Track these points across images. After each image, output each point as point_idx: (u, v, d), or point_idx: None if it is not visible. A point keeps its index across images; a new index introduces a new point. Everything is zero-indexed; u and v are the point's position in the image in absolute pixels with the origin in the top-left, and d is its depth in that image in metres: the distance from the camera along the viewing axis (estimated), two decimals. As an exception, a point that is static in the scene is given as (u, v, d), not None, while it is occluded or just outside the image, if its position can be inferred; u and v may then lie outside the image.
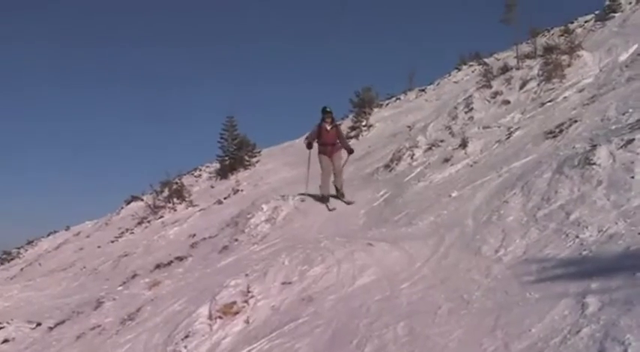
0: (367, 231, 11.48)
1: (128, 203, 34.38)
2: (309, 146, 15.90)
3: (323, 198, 15.07)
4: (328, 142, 15.47)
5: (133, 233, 25.75)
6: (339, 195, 15.29)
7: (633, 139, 8.31)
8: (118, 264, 19.24)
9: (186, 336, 8.73)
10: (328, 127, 15.44)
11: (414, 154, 16.96)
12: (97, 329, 11.52)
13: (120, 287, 14.89)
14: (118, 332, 10.82)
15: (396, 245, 9.55)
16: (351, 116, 33.40)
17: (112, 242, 25.38)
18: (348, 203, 14.80)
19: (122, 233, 26.45)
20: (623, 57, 16.42)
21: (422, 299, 6.89)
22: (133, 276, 15.81)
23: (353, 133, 30.03)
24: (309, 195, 15.80)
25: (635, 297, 4.57)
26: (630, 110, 10.56)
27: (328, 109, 15.56)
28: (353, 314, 7.21)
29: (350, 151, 15.87)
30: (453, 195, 11.43)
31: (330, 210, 14.54)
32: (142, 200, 31.68)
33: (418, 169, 15.23)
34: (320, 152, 15.53)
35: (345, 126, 32.78)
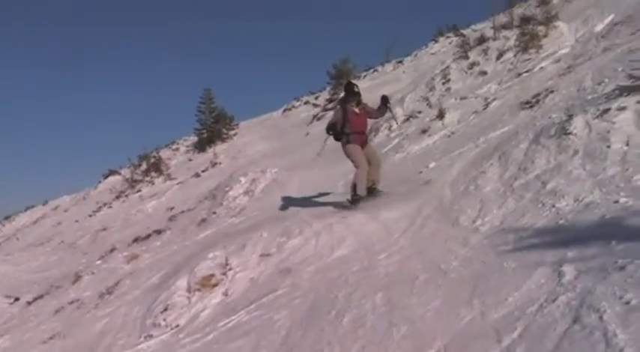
0: (344, 203, 11.50)
1: (106, 177, 34.50)
2: (331, 129, 11.66)
3: (358, 201, 11.12)
4: (359, 129, 11.64)
5: (111, 207, 25.82)
6: (374, 195, 11.27)
7: (609, 109, 8.34)
8: (97, 238, 19.27)
9: (165, 309, 8.77)
10: (357, 110, 11.59)
11: (391, 126, 17.01)
12: (76, 304, 11.55)
13: (98, 261, 14.91)
14: (96, 306, 10.85)
15: (373, 216, 9.58)
16: (328, 88, 33.42)
17: (90, 216, 25.44)
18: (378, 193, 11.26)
19: (100, 207, 26.55)
20: (599, 27, 16.48)
21: (399, 269, 6.92)
22: (112, 250, 15.84)
23: (331, 105, 30.03)
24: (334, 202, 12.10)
25: (610, 265, 4.60)
26: (606, 80, 10.60)
27: (356, 89, 11.80)
28: (331, 285, 7.24)
29: (386, 102, 11.86)
30: (431, 165, 11.48)
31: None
32: (120, 174, 31.79)
33: (396, 141, 15.30)
34: (350, 142, 11.51)
35: (322, 98, 32.81)
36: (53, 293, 13.24)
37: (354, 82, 12.32)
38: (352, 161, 11.54)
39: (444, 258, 6.66)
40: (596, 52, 13.80)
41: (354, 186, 11.30)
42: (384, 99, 11.81)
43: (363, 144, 11.61)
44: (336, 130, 11.61)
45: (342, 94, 12.30)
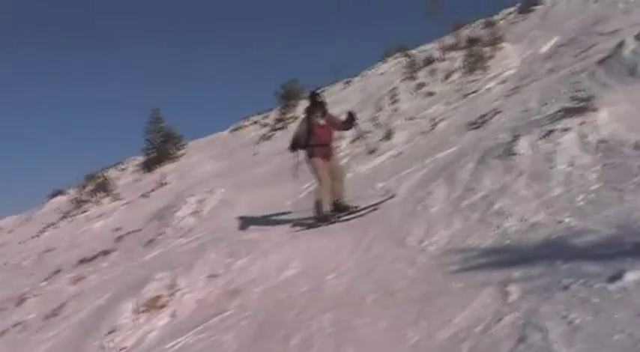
0: (293, 222, 11.46)
1: (52, 197, 34.08)
2: (295, 147, 11.39)
3: (323, 219, 10.77)
4: (323, 141, 11.19)
5: (57, 227, 25.46)
6: (341, 209, 10.95)
7: (553, 130, 8.46)
8: (42, 259, 19.00)
9: (112, 331, 8.66)
10: (322, 122, 11.16)
11: (339, 146, 17.03)
12: (20, 326, 11.34)
13: (43, 283, 14.66)
14: (41, 329, 10.67)
15: (321, 236, 9.60)
16: (277, 108, 33.44)
17: (36, 237, 25.04)
18: (367, 207, 10.47)
19: (46, 228, 26.14)
20: (544, 49, 16.74)
21: (347, 290, 6.93)
22: (57, 271, 15.60)
23: (279, 125, 30.04)
24: (298, 222, 11.32)
25: (554, 285, 4.66)
26: (551, 101, 10.74)
27: (320, 99, 11.42)
28: (279, 306, 7.23)
29: (352, 119, 11.29)
30: (379, 186, 11.49)
31: (332, 223, 10.63)
32: (67, 194, 31.44)
33: (344, 161, 15.29)
34: (313, 155, 11.11)
35: (271, 118, 32.79)
36: (-3, 315, 13.03)
37: (317, 91, 11.84)
38: (314, 176, 11.22)
39: (391, 279, 6.68)
40: (541, 74, 14.00)
41: (316, 204, 10.94)
42: (351, 115, 11.34)
43: (328, 155, 11.20)
44: (299, 145, 11.27)
45: (307, 105, 11.67)
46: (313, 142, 11.08)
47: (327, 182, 10.88)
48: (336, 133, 11.63)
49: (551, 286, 4.67)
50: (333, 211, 10.90)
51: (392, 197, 10.22)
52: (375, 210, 10.18)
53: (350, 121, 11.34)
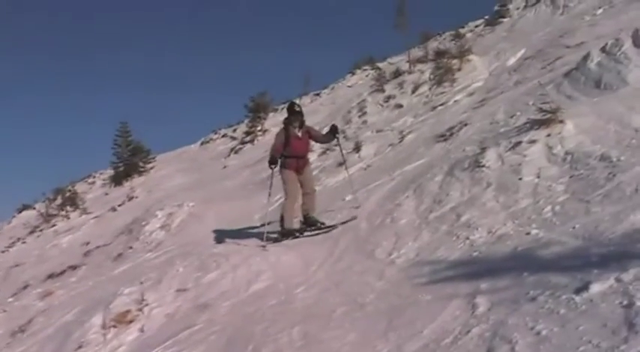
0: (262, 235, 11.42)
1: (20, 211, 33.87)
2: (274, 161, 10.78)
3: (287, 234, 10.77)
4: (299, 153, 11.06)
5: (24, 242, 25.27)
6: (310, 223, 10.83)
7: (520, 142, 8.52)
8: (9, 275, 18.82)
9: (79, 347, 8.56)
10: (299, 134, 11.03)
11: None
12: (-14, 343, 11.21)
13: (10, 299, 14.53)
14: (8, 345, 10.56)
15: (290, 249, 9.58)
16: (246, 121, 33.42)
17: (3, 252, 24.80)
18: (330, 227, 10.37)
19: (13, 242, 25.95)
20: (511, 61, 16.88)
21: (316, 303, 6.91)
22: (25, 287, 15.48)
23: (248, 138, 30.03)
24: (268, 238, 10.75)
25: (522, 297, 4.67)
26: (518, 113, 10.82)
27: (298, 108, 11.28)
28: (248, 319, 7.19)
29: (335, 133, 11.55)
30: (347, 198, 11.50)
31: (297, 237, 10.64)
32: (34, 208, 31.21)
33: (313, 173, 15.31)
34: (285, 166, 11.00)
35: (240, 131, 32.75)
36: (-37, 332, 12.88)
37: (296, 101, 11.77)
38: (284, 188, 11.08)
39: (360, 291, 6.67)
40: (508, 86, 14.10)
41: (281, 218, 10.94)
42: (334, 129, 11.44)
43: (300, 168, 11.07)
44: (274, 158, 10.80)
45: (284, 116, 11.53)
46: (287, 153, 10.94)
47: (293, 196, 10.85)
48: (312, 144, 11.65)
49: (519, 298, 4.69)
50: (303, 224, 10.87)
51: (353, 218, 10.14)
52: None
53: (333, 134, 11.45)
